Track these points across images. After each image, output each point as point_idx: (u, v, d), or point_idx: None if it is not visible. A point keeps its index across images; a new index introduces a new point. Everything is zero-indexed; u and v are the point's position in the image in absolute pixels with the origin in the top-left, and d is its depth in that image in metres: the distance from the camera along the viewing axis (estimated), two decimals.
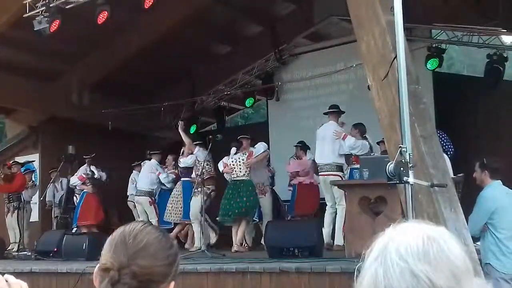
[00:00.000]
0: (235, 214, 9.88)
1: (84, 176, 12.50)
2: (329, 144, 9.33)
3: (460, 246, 1.14)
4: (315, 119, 13.61)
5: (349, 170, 9.65)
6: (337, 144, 9.30)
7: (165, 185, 12.28)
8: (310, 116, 14.16)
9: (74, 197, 12.96)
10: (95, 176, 12.54)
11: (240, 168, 10.06)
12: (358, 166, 8.59)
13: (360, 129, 9.57)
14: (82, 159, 13.05)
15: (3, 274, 1.72)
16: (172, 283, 1.60)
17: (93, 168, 12.67)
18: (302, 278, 6.44)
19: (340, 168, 9.39)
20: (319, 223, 8.79)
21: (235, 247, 9.77)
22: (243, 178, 10.03)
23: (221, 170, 10.60)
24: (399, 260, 1.09)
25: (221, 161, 10.56)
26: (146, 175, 12.17)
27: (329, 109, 9.84)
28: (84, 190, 12.48)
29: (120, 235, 1.59)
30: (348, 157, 9.56)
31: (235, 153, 10.31)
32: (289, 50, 14.75)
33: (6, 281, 1.70)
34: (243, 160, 10.08)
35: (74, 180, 12.64)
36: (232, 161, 10.20)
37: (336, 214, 9.25)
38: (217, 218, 10.36)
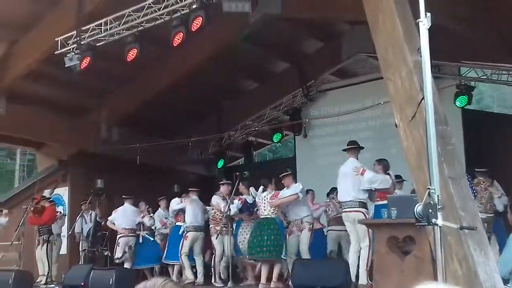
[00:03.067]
0: (258, 252, 9.83)
1: (164, 220, 12.50)
2: (350, 181, 9.26)
3: None
4: (344, 155, 13.58)
5: (373, 207, 9.56)
6: (358, 180, 9.25)
7: None
8: (338, 152, 14.08)
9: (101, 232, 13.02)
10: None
11: (264, 206, 10.04)
12: (383, 202, 8.52)
13: (383, 165, 9.50)
14: (110, 193, 13.17)
15: None
16: None
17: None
18: None
19: (363, 204, 9.29)
20: (347, 262, 8.70)
21: (272, 284, 9.60)
22: (268, 216, 9.98)
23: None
24: None
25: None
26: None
27: (347, 145, 9.77)
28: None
29: None
30: (371, 193, 9.48)
31: (263, 191, 10.30)
32: (316, 87, 14.82)
33: None
34: (267, 199, 10.06)
35: (158, 224, 12.53)
36: (259, 199, 10.20)
37: (360, 253, 9.14)
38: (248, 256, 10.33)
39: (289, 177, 10.15)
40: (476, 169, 10.31)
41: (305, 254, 9.89)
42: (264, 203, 10.04)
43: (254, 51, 13.89)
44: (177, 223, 11.78)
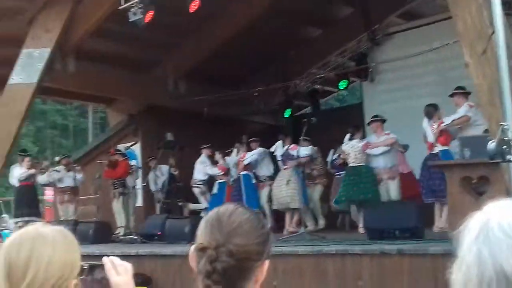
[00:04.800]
0: (353, 199, 9.97)
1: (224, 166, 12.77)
2: None
3: None
4: (411, 100, 13.35)
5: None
6: None
7: None
8: (406, 96, 13.90)
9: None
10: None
11: (355, 155, 10.05)
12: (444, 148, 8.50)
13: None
14: (181, 145, 13.44)
15: (109, 256, 1.83)
16: (267, 262, 1.64)
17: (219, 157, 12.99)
18: (404, 260, 6.37)
19: None
20: (419, 205, 8.64)
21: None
22: (360, 164, 10.04)
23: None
24: (505, 237, 1.04)
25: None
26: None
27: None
28: (223, 181, 12.78)
29: (215, 216, 1.64)
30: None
31: (350, 139, 10.34)
32: (382, 30, 14.49)
33: (112, 262, 1.82)
34: (359, 147, 10.10)
35: (214, 171, 12.92)
36: (348, 147, 10.24)
37: None
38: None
39: (377, 123, 10.14)
40: None
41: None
42: (356, 151, 10.07)
43: None
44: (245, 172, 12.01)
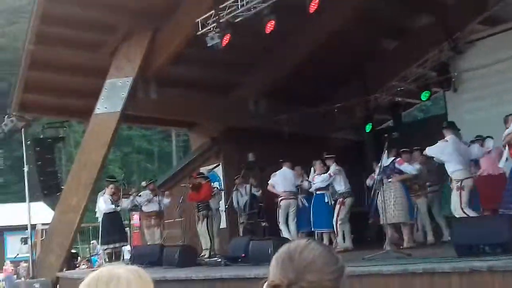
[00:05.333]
0: None
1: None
2: None
3: None
4: (498, 107, 12.85)
5: None
6: None
7: None
8: (493, 104, 13.40)
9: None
10: None
11: None
12: None
13: None
14: (262, 165, 13.43)
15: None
16: None
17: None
18: (496, 278, 6.05)
19: None
20: (510, 217, 8.24)
21: None
22: None
23: None
24: None
25: None
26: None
27: None
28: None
29: (286, 252, 1.60)
30: None
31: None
32: (464, 38, 14.09)
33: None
34: None
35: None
36: None
37: None
38: None
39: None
40: None
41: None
42: None
43: (391, 7, 13.46)
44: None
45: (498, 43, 13.45)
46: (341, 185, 11.83)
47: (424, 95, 15.17)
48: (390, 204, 10.37)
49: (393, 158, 10.61)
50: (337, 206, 11.66)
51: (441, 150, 9.45)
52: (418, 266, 6.90)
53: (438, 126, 11.38)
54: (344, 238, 11.68)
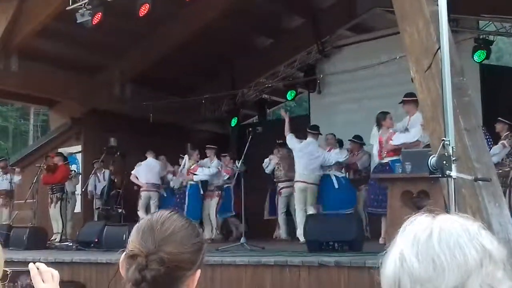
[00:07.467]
0: None
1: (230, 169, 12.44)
2: None
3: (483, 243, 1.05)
4: (357, 113, 13.43)
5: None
6: None
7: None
8: (353, 109, 13.96)
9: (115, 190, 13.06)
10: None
11: None
12: (397, 157, 8.38)
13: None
14: (123, 151, 13.17)
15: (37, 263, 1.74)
16: (198, 271, 1.59)
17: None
18: (342, 272, 6.34)
19: None
20: (359, 217, 8.65)
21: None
22: None
23: None
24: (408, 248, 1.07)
25: None
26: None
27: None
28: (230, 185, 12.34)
29: (147, 223, 1.58)
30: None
31: None
32: (331, 42, 14.58)
33: (38, 268, 1.74)
34: None
35: (224, 174, 12.51)
36: None
37: None
38: None
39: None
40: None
41: None
42: None
43: (267, 6, 13.66)
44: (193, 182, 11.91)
45: (363, 50, 14.02)
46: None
47: (290, 95, 15.55)
48: None
49: None
50: (215, 199, 11.92)
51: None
52: (269, 258, 7.08)
53: (300, 127, 11.76)
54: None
